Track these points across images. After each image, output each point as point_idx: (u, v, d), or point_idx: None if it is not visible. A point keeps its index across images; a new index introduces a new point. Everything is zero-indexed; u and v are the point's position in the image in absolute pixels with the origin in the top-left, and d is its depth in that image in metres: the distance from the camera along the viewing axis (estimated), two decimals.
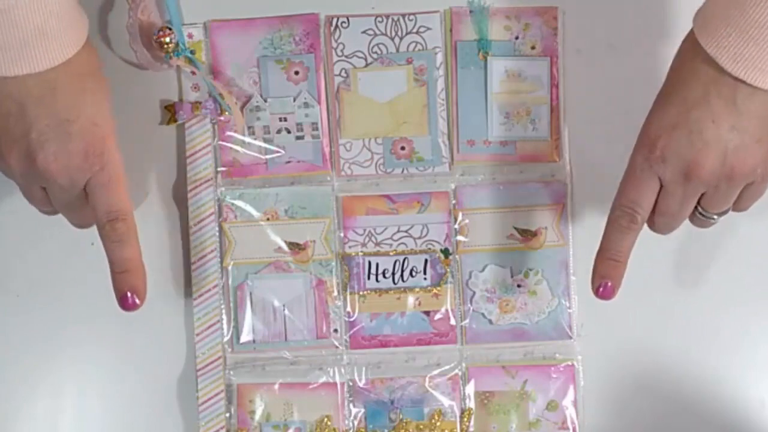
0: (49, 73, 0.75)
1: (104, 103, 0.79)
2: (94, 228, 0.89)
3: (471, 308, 0.89)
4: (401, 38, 0.89)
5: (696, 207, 0.79)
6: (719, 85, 0.74)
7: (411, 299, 0.90)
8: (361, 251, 0.90)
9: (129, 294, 0.78)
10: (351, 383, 0.90)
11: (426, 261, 0.90)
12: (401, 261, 0.90)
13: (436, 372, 0.89)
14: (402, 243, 0.90)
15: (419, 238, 0.90)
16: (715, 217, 0.80)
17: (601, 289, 0.80)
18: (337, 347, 0.90)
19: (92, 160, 0.77)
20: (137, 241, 0.79)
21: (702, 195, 0.77)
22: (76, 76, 0.76)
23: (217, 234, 0.90)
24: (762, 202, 0.89)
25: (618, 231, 0.79)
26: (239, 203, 0.90)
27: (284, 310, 0.90)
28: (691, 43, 0.76)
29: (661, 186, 0.77)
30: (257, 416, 0.89)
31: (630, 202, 0.78)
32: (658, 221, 0.79)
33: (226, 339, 0.90)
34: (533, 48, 0.89)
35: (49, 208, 0.81)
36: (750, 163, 0.75)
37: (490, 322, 0.89)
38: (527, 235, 0.89)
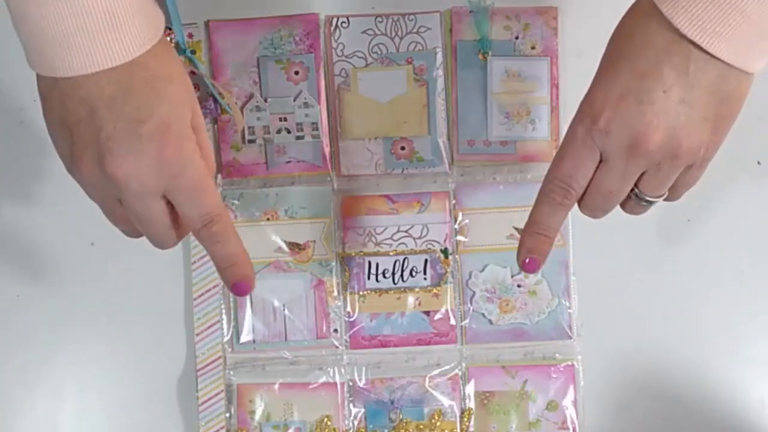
0: (124, 70, 0.68)
1: (183, 108, 0.71)
2: (94, 228, 0.90)
3: (471, 308, 0.89)
4: (401, 38, 0.89)
5: (632, 189, 0.73)
6: (672, 53, 0.68)
7: (411, 299, 0.90)
8: (361, 251, 0.90)
9: (241, 283, 0.72)
10: (351, 383, 0.90)
11: (426, 261, 0.90)
12: (401, 261, 0.90)
13: (436, 372, 0.89)
14: (402, 243, 0.90)
15: (419, 238, 0.90)
16: (650, 200, 0.73)
17: (527, 262, 0.74)
18: (337, 347, 0.90)
19: (167, 164, 0.69)
20: (237, 235, 0.73)
21: (641, 176, 0.72)
22: (152, 79, 0.69)
23: None
24: (762, 202, 0.89)
25: (549, 205, 0.73)
26: (239, 203, 0.90)
27: (284, 310, 0.90)
28: (644, 4, 0.70)
29: (601, 161, 0.71)
30: (257, 416, 0.89)
31: (566, 176, 0.71)
32: (593, 200, 0.73)
33: (226, 339, 0.90)
34: (533, 48, 0.89)
35: (130, 227, 0.73)
36: (696, 141, 0.70)
37: (490, 322, 0.89)
38: None
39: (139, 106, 0.68)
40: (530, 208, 0.89)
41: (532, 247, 0.73)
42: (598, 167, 0.71)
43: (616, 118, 0.69)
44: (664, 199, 0.73)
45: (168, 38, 0.87)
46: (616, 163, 0.70)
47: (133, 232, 0.73)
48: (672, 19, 0.67)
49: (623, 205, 0.74)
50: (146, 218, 0.71)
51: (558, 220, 0.73)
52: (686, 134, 0.69)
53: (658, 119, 0.68)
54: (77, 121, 0.69)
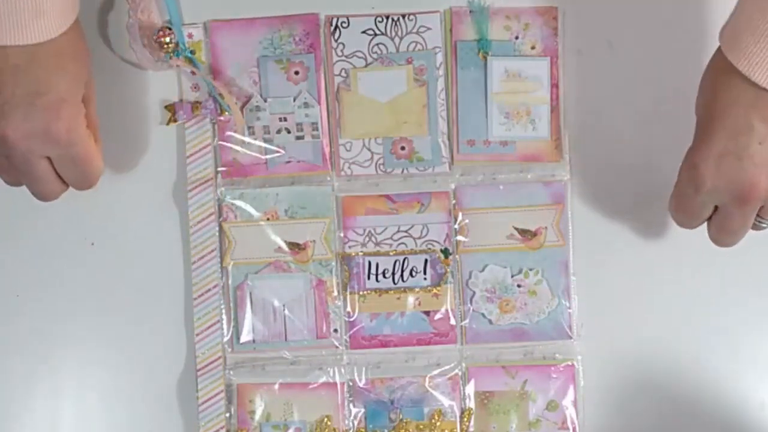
0: (31, 46, 0.75)
1: (79, 84, 0.79)
2: (94, 228, 0.90)
3: (471, 308, 0.89)
4: (401, 38, 0.89)
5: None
6: (759, 107, 0.74)
7: (411, 299, 0.90)
8: (361, 251, 0.90)
9: None
10: (351, 383, 0.90)
11: (426, 261, 0.90)
12: (401, 261, 0.90)
13: (436, 372, 0.89)
14: (402, 243, 0.90)
15: (419, 238, 0.90)
16: None
17: None
18: (337, 347, 0.90)
19: (56, 136, 0.77)
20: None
21: (760, 208, 0.79)
22: (56, 54, 0.77)
23: (217, 234, 0.90)
24: None
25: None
26: (239, 203, 0.90)
27: (284, 310, 0.90)
28: (720, 61, 0.75)
29: (717, 208, 0.79)
30: (257, 416, 0.89)
31: (685, 224, 0.82)
32: (723, 239, 0.81)
33: (226, 339, 0.90)
34: (533, 48, 0.89)
35: (11, 179, 0.82)
36: None
37: (490, 322, 0.89)
38: (527, 235, 0.89)
39: (40, 78, 0.76)
40: (530, 208, 0.90)
41: None
42: (718, 213, 0.79)
43: (720, 177, 0.76)
44: None
45: (168, 38, 0.87)
46: (733, 211, 0.78)
47: (15, 182, 0.82)
48: (750, 76, 0.73)
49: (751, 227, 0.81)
50: (31, 175, 0.80)
51: None
52: None
53: (759, 170, 0.75)
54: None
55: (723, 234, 0.80)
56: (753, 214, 0.79)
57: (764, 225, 0.81)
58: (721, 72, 0.76)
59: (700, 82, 0.78)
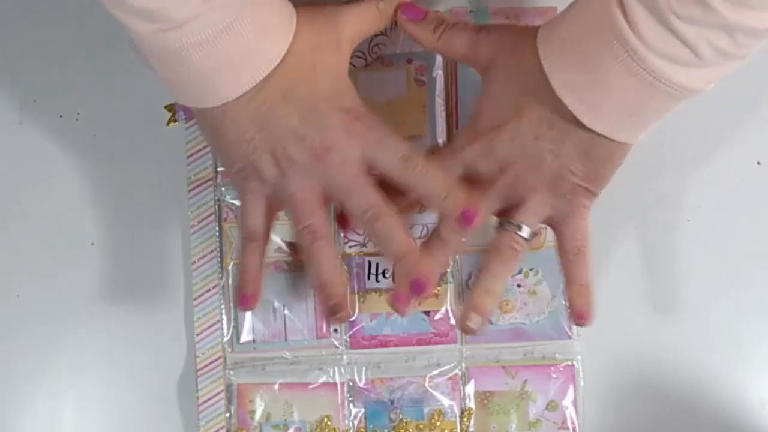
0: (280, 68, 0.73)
1: (343, 76, 0.77)
2: (94, 228, 0.90)
3: None
4: (401, 38, 0.89)
5: None
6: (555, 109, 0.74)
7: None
8: (361, 251, 0.90)
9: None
10: (351, 383, 0.90)
11: None
12: None
13: (436, 372, 0.89)
14: None
15: (419, 238, 0.90)
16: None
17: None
18: (337, 347, 0.90)
19: (352, 127, 0.75)
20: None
21: None
22: (307, 54, 0.75)
23: (217, 234, 0.90)
24: (762, 202, 0.89)
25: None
26: (239, 203, 0.90)
27: (284, 310, 0.90)
28: (531, 46, 0.75)
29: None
30: (257, 416, 0.89)
31: None
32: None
33: (226, 339, 0.90)
34: None
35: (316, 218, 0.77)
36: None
37: (490, 322, 0.89)
38: None
39: (305, 91, 0.74)
40: None
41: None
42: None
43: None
44: None
45: None
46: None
47: (319, 228, 0.77)
48: (549, 77, 0.73)
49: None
50: (357, 191, 0.76)
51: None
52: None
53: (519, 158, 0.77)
54: (260, 129, 0.74)
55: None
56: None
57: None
58: (531, 55, 0.75)
59: (497, 35, 0.78)
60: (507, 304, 0.89)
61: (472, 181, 0.78)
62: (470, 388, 0.89)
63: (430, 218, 0.89)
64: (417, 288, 0.76)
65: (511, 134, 0.76)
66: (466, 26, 0.79)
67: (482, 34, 0.79)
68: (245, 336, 0.90)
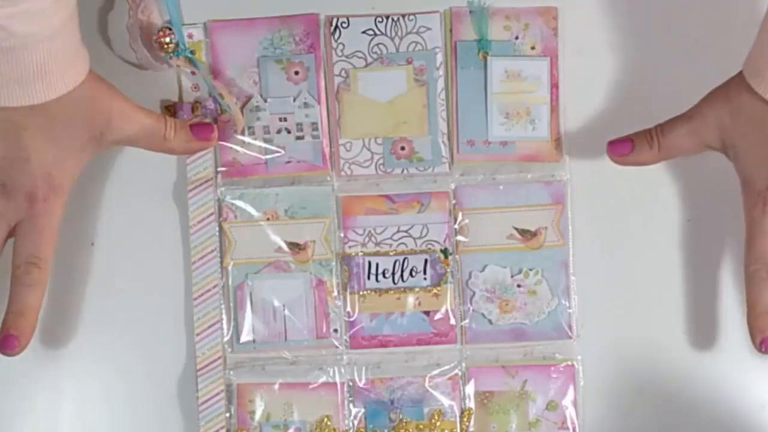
0: (22, 111, 0.77)
1: (71, 155, 0.80)
2: (94, 228, 0.90)
3: (471, 308, 0.89)
4: (401, 38, 0.89)
5: None
6: None
7: (411, 299, 0.90)
8: (361, 251, 0.90)
9: (15, 336, 0.79)
10: (351, 383, 0.90)
11: (426, 261, 0.90)
12: (401, 261, 0.90)
13: (436, 372, 0.89)
14: (402, 243, 0.90)
15: (419, 238, 0.90)
16: None
17: (765, 343, 0.81)
18: (337, 347, 0.90)
19: (33, 204, 0.79)
20: (43, 292, 0.81)
21: None
22: (52, 120, 0.78)
23: (217, 234, 0.90)
24: None
25: (760, 283, 0.81)
26: (239, 203, 0.90)
27: (284, 310, 0.90)
28: (746, 89, 0.79)
29: None
30: (257, 416, 0.89)
31: (764, 253, 0.80)
32: None
33: (226, 339, 0.90)
34: (533, 48, 0.89)
35: None
36: None
37: (490, 322, 0.89)
38: (527, 235, 0.89)
39: (29, 147, 0.78)
40: (530, 208, 0.89)
41: (763, 327, 0.81)
42: None
43: None
44: None
45: (168, 38, 0.87)
46: None
47: None
48: None
49: None
50: None
51: None
52: None
53: None
54: None
55: None
56: None
57: None
58: (749, 100, 0.79)
59: (735, 107, 0.80)
60: (507, 304, 0.89)
61: None
62: (470, 388, 0.89)
63: (429, 218, 0.89)
64: None
65: None
66: (674, 124, 0.83)
67: (694, 121, 0.82)
68: (245, 336, 0.90)
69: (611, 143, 0.84)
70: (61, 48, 0.76)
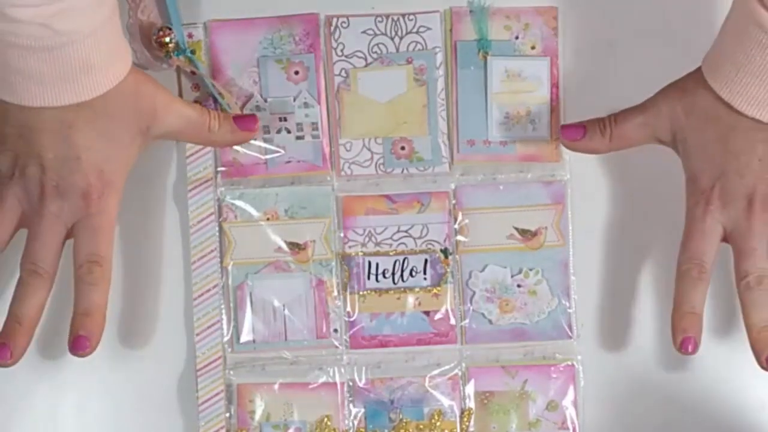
0: (69, 110, 0.77)
1: (121, 150, 0.80)
2: None
3: (471, 308, 0.89)
4: (401, 38, 0.89)
5: None
6: (759, 129, 0.78)
7: (411, 299, 0.90)
8: (361, 251, 0.90)
9: (85, 337, 0.78)
10: (351, 383, 0.90)
11: (426, 261, 0.90)
12: (401, 261, 0.90)
13: (436, 372, 0.89)
14: (402, 243, 0.90)
15: (419, 238, 0.90)
16: None
17: (685, 344, 0.81)
18: (337, 347, 0.90)
19: (89, 202, 0.79)
20: (108, 290, 0.80)
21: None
22: (99, 116, 0.78)
23: (217, 234, 0.90)
24: None
25: (690, 283, 0.81)
26: (239, 203, 0.90)
27: (284, 310, 0.90)
28: (702, 85, 0.80)
29: (727, 233, 0.81)
30: (257, 416, 0.89)
31: (698, 253, 0.81)
32: (750, 263, 0.80)
33: (226, 339, 0.90)
34: (533, 48, 0.89)
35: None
36: None
37: (490, 322, 0.89)
38: (527, 235, 0.89)
39: (80, 145, 0.78)
40: (530, 208, 0.89)
41: (686, 327, 0.81)
42: (729, 236, 0.81)
43: (726, 191, 0.80)
44: None
45: (168, 38, 0.87)
46: (743, 225, 0.80)
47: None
48: (732, 103, 0.78)
49: None
50: (40, 226, 0.80)
51: (700, 295, 0.81)
52: None
53: (760, 181, 0.79)
54: (17, 136, 0.78)
55: (747, 258, 0.80)
56: (764, 225, 0.80)
57: None
58: (709, 101, 0.80)
59: (686, 107, 0.81)
60: (507, 304, 0.89)
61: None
62: (470, 388, 0.89)
63: (429, 218, 0.89)
64: None
65: (740, 172, 0.79)
66: (627, 114, 0.83)
67: (648, 112, 0.82)
68: (245, 336, 0.90)
69: (564, 127, 0.85)
70: (105, 43, 0.76)
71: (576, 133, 0.84)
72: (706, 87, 0.79)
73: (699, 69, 0.81)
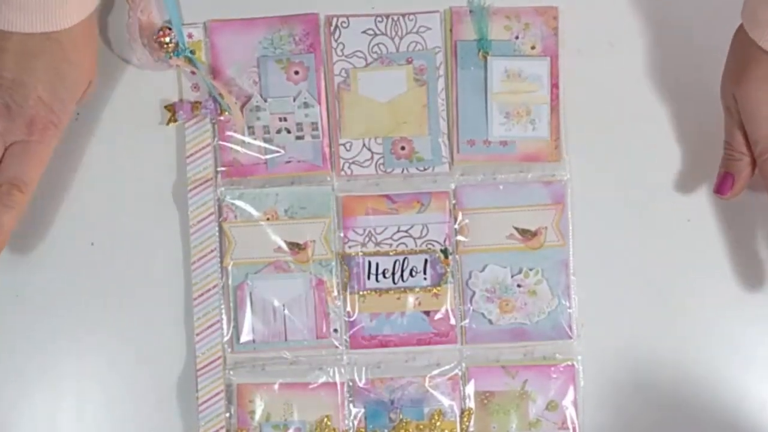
0: (37, 39, 0.79)
1: (71, 93, 0.82)
2: (94, 228, 0.90)
3: (471, 308, 0.89)
4: (401, 38, 0.89)
5: None
6: None
7: (411, 299, 0.90)
8: (361, 251, 0.90)
9: None
10: (351, 383, 0.90)
11: (426, 261, 0.90)
12: (401, 261, 0.90)
13: (436, 372, 0.89)
14: (402, 243, 0.90)
15: (419, 238, 0.90)
16: None
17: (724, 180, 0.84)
18: (337, 347, 0.90)
19: (32, 130, 0.80)
20: (19, 217, 0.81)
21: None
22: (61, 55, 0.80)
23: (217, 234, 0.90)
24: (761, 202, 0.89)
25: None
26: (239, 203, 0.90)
27: (284, 310, 0.90)
28: (744, 37, 0.80)
29: None
30: (257, 416, 0.89)
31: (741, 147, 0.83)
32: None
33: (226, 339, 0.90)
34: (533, 48, 0.89)
35: None
36: None
37: (490, 322, 0.89)
38: (527, 235, 0.89)
39: (26, 69, 0.80)
40: (530, 208, 0.89)
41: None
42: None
43: None
44: None
45: (168, 38, 0.87)
46: None
47: None
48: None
49: None
50: None
51: None
52: None
53: None
54: None
55: None
56: None
57: None
58: (747, 47, 0.79)
59: (727, 60, 0.82)
60: (507, 304, 0.89)
61: None
62: (470, 388, 0.89)
63: (429, 218, 0.89)
64: None
65: None
66: (728, 128, 0.84)
67: (726, 112, 0.84)
68: (245, 336, 0.90)
69: (720, 189, 0.86)
70: None
71: (727, 188, 0.85)
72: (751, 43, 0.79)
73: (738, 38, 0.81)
